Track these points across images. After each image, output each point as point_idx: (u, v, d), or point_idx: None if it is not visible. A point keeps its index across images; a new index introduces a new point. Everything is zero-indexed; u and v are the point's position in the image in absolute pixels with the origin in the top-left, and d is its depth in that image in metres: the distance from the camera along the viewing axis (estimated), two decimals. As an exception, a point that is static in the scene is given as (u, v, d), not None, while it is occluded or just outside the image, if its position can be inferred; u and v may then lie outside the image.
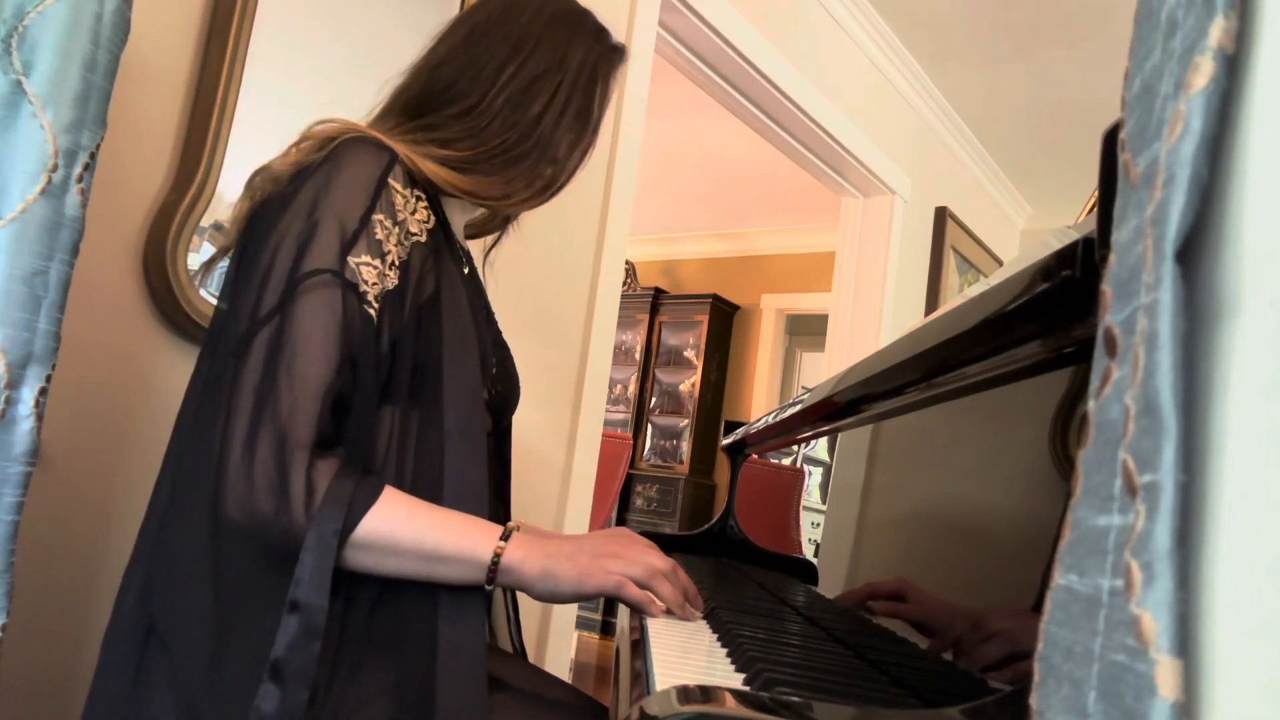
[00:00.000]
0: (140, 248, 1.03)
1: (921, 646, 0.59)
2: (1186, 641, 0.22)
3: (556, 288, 1.72)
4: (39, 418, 0.67)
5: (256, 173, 0.77)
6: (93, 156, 0.69)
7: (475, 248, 1.00)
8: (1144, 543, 0.23)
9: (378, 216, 0.73)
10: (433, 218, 0.81)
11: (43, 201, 0.65)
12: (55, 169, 0.66)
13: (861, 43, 2.72)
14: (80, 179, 0.68)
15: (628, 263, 5.12)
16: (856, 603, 0.74)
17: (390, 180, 0.75)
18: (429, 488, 0.74)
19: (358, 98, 0.89)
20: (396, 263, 0.75)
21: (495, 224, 1.05)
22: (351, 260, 0.71)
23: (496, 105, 0.83)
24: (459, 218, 0.93)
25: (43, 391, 0.67)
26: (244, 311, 0.69)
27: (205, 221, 1.08)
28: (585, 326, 1.78)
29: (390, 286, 0.74)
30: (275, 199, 0.73)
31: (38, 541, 0.74)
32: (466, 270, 0.90)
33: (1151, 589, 0.23)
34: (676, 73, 2.27)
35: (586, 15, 0.91)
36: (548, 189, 0.87)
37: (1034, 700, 0.28)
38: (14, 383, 0.65)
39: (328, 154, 0.74)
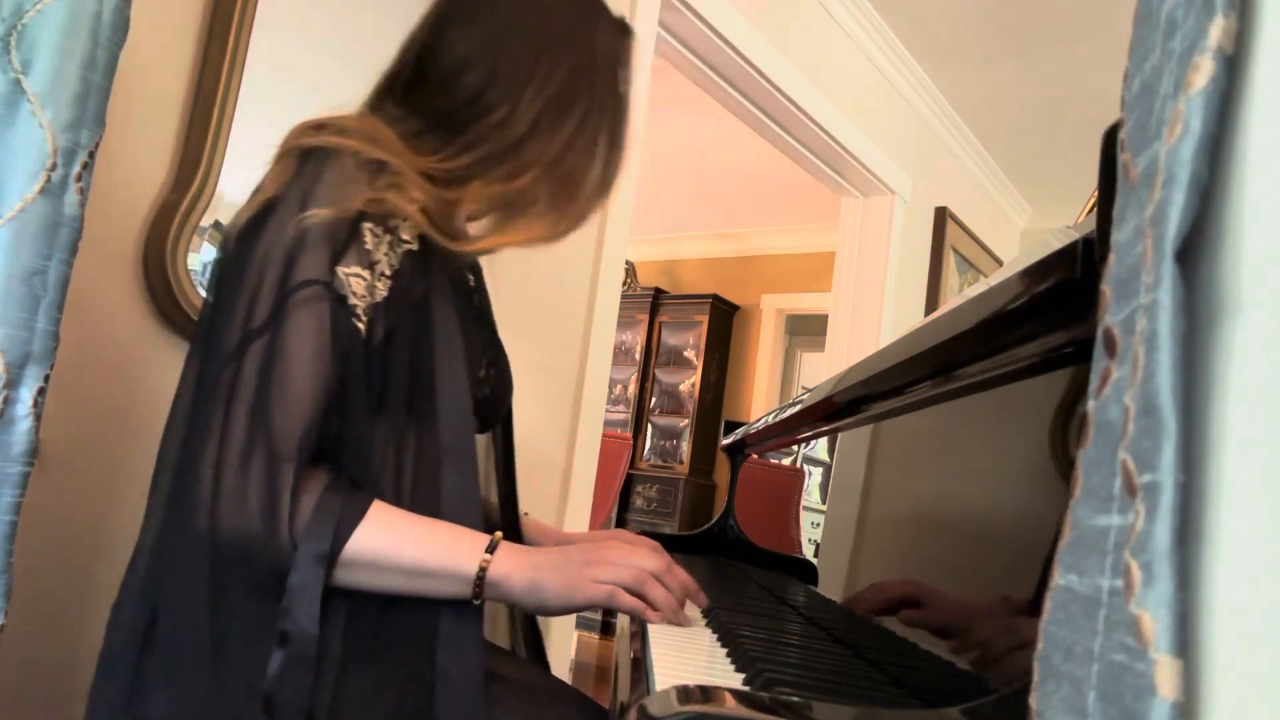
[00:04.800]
0: (140, 247, 1.03)
1: (926, 648, 0.59)
2: (1186, 641, 0.22)
3: (556, 288, 1.72)
4: (37, 417, 0.67)
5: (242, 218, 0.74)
6: (91, 156, 0.69)
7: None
8: (1144, 543, 0.23)
9: (367, 224, 0.71)
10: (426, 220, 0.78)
11: (41, 201, 0.65)
12: (54, 168, 0.66)
13: (861, 43, 2.72)
14: (79, 178, 0.68)
15: (628, 263, 5.12)
16: (869, 609, 0.74)
17: (376, 185, 0.72)
18: (427, 504, 0.72)
19: (358, 98, 0.89)
20: (387, 272, 0.73)
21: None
22: (341, 271, 0.69)
23: (531, 119, 0.77)
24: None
25: (41, 391, 0.67)
26: (235, 323, 0.68)
27: (205, 221, 1.08)
28: (585, 326, 1.78)
29: (379, 298, 0.72)
30: (261, 210, 0.71)
31: (36, 542, 0.74)
32: (469, 275, 0.88)
33: (1151, 589, 0.22)
34: (676, 73, 2.27)
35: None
36: (587, 209, 0.83)
37: (1034, 700, 0.28)
38: (12, 382, 0.65)
39: (313, 161, 0.71)
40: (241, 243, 0.72)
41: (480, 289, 0.94)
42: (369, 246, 0.71)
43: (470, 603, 0.70)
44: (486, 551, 0.69)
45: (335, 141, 0.72)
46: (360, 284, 0.71)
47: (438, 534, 0.69)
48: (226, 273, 0.73)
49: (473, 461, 0.76)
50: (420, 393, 0.74)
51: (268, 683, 0.61)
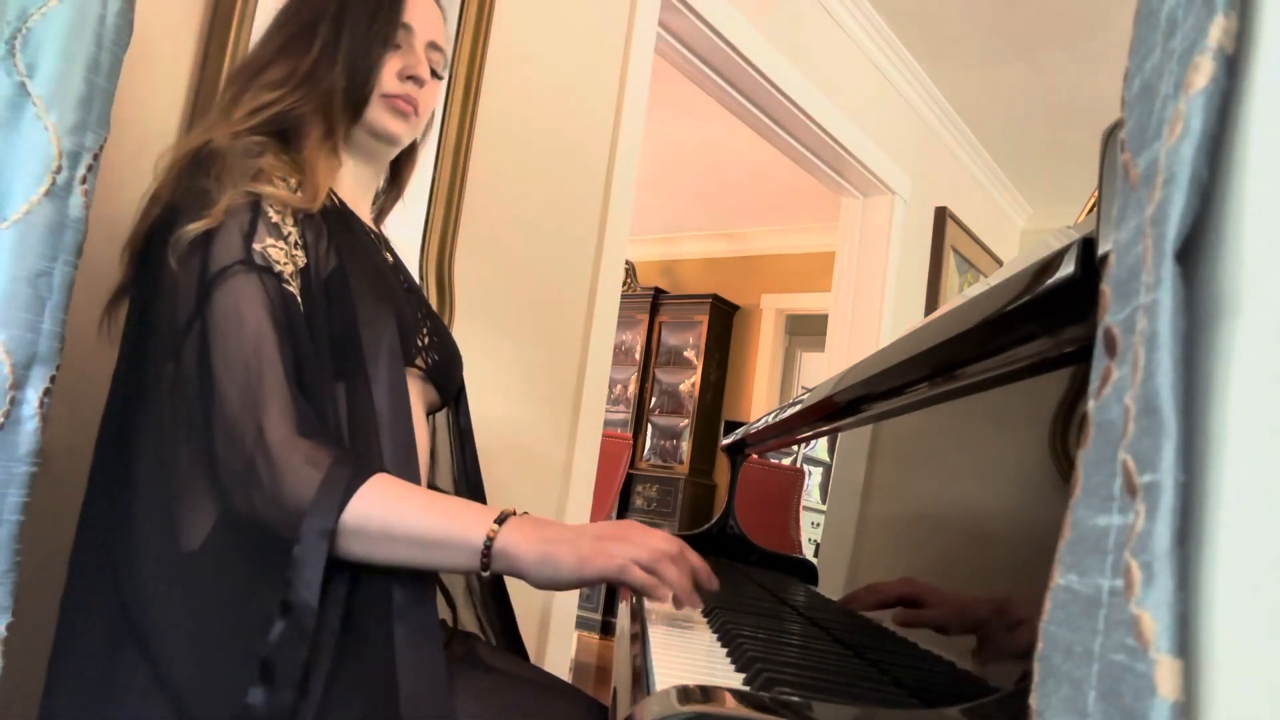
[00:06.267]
0: (141, 248, 1.03)
1: (925, 648, 0.59)
2: (1186, 641, 0.22)
3: (556, 288, 1.72)
4: (43, 418, 0.67)
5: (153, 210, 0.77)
6: (96, 158, 0.69)
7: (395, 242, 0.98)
8: (1144, 542, 0.23)
9: (266, 202, 0.73)
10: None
11: (46, 203, 0.65)
12: (59, 170, 0.66)
13: (861, 43, 2.72)
14: (84, 180, 0.68)
15: (628, 263, 5.12)
16: (863, 608, 0.74)
17: (263, 163, 0.75)
18: (369, 459, 0.73)
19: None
20: (299, 242, 0.75)
21: (391, 197, 1.03)
22: (256, 246, 0.71)
23: (277, 49, 0.83)
24: (360, 198, 0.91)
25: (47, 392, 0.67)
26: (163, 322, 0.69)
27: (206, 222, 1.08)
28: (585, 326, 1.78)
29: (301, 265, 0.74)
30: (160, 218, 0.73)
31: (42, 542, 0.74)
32: (386, 254, 0.90)
33: (1151, 589, 0.23)
34: (676, 73, 2.27)
35: None
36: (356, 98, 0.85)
37: (1034, 700, 0.28)
38: (18, 383, 0.65)
39: (198, 161, 0.74)
40: (151, 253, 0.73)
41: (401, 267, 0.94)
42: (275, 220, 0.73)
43: (428, 581, 0.71)
44: (495, 522, 0.69)
45: (221, 145, 0.75)
46: (280, 253, 0.72)
47: (445, 504, 0.70)
48: (143, 283, 0.74)
49: (408, 410, 0.77)
50: (348, 351, 0.75)
51: (266, 650, 0.62)
